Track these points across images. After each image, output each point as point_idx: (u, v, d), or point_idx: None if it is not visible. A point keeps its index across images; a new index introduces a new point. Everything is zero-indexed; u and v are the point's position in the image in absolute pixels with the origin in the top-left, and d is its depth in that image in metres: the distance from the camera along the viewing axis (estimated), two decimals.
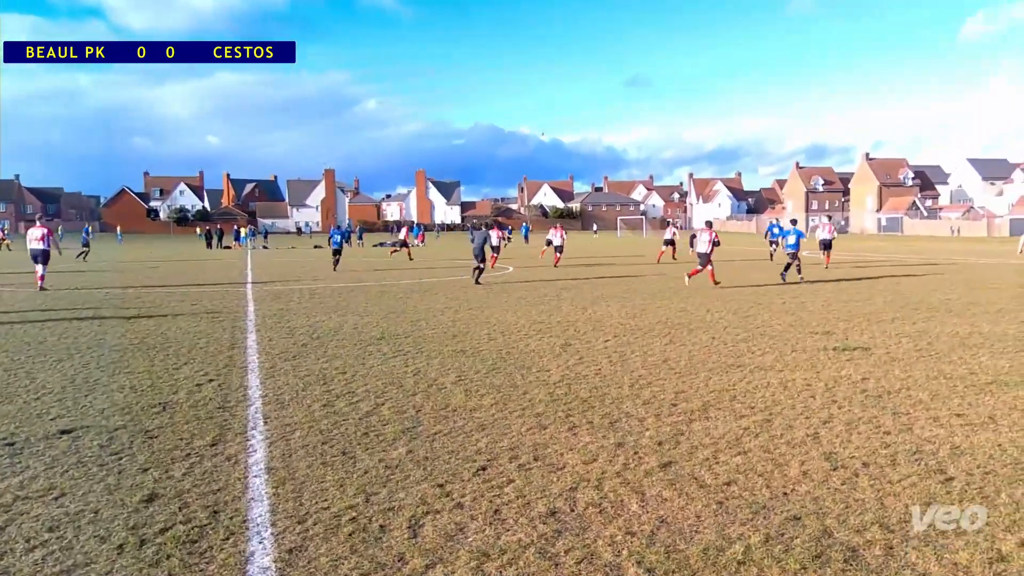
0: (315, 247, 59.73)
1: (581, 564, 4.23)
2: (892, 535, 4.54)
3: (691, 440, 6.41)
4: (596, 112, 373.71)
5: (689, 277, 21.15)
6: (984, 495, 5.10)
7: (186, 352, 10.75)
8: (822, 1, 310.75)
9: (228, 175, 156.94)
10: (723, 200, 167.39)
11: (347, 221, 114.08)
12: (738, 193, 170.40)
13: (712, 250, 20.41)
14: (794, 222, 25.10)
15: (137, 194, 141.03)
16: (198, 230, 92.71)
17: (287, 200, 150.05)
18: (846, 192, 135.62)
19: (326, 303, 17.20)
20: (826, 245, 28.03)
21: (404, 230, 42.29)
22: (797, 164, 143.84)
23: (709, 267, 20.48)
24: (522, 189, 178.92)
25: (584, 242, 67.00)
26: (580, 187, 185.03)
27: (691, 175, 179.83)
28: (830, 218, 32.81)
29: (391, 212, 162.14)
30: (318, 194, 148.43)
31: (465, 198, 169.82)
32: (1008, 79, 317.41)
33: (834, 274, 24.71)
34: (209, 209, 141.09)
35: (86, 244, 42.42)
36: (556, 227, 33.13)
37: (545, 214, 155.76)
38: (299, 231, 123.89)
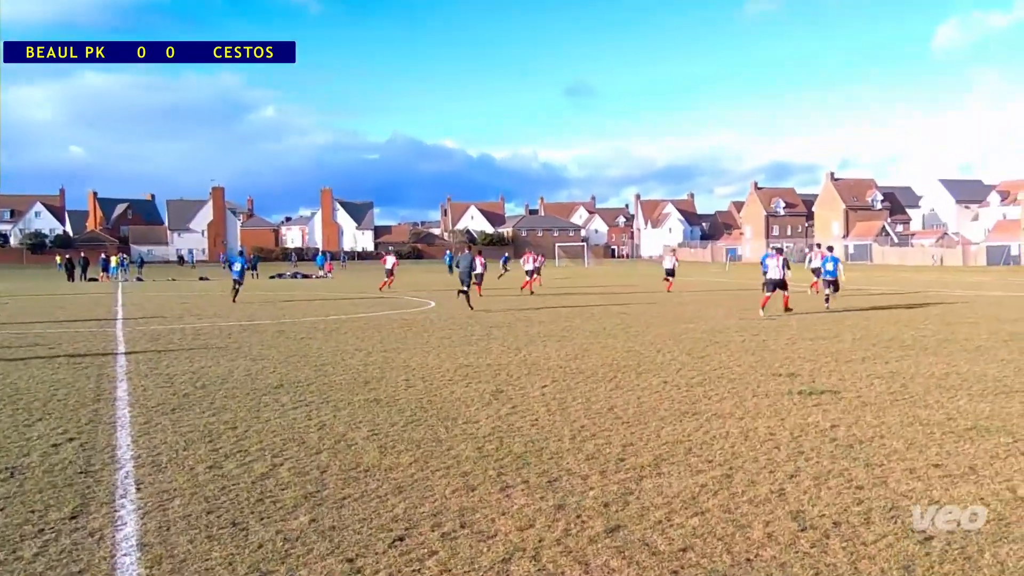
0: (200, 279, 58.57)
1: None
2: None
3: (641, 500, 6.45)
4: (532, 124, 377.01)
5: (763, 308, 23.00)
6: (966, 555, 5.27)
7: (40, 405, 10.36)
8: (785, 8, 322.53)
9: (95, 193, 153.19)
10: (674, 224, 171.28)
11: (239, 248, 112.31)
12: (691, 217, 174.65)
13: (784, 275, 22.97)
14: (831, 249, 28.57)
15: None
16: (58, 259, 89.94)
17: (167, 223, 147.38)
18: (810, 216, 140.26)
19: (213, 345, 16.88)
20: (818, 273, 29.77)
21: (393, 260, 40.99)
22: (756, 184, 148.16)
23: (784, 293, 23.05)
24: (445, 212, 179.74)
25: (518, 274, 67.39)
26: (513, 209, 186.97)
27: (638, 196, 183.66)
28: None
29: (291, 238, 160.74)
30: (204, 216, 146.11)
31: (379, 221, 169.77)
32: (983, 95, 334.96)
33: (804, 307, 25.47)
34: (72, 234, 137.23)
35: None
36: (527, 252, 40.93)
37: (472, 240, 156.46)
38: (181, 260, 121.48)
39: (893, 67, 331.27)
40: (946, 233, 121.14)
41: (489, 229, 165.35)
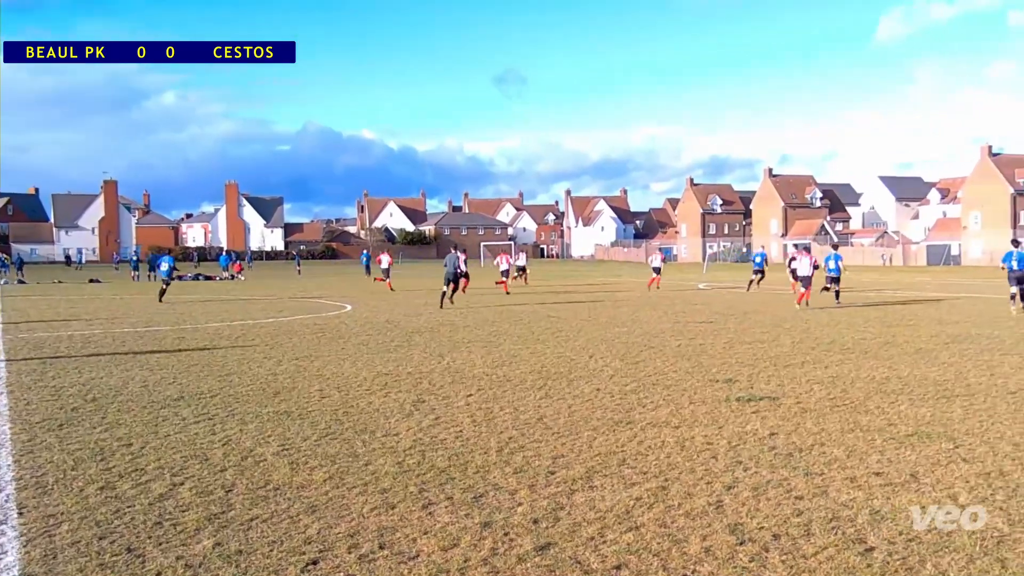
0: (91, 281, 57.10)
1: None
2: None
3: (573, 515, 6.50)
4: (457, 114, 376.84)
5: (799, 304, 26.78)
6: (908, 566, 5.44)
7: None
8: None
9: None
10: (606, 223, 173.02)
11: (135, 247, 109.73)
12: (624, 214, 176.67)
13: (814, 273, 27.67)
14: (835, 246, 33.30)
15: None
16: None
17: (52, 220, 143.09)
18: (747, 214, 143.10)
19: (105, 353, 16.49)
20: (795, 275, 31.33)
21: (387, 258, 46.67)
22: (691, 180, 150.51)
23: (802, 290, 27.20)
24: (362, 208, 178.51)
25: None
26: (436, 206, 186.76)
27: (568, 192, 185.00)
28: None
29: (193, 236, 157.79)
30: (95, 213, 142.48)
31: (290, 218, 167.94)
32: (924, 90, 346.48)
33: (741, 309, 25.98)
34: None
35: None
36: (501, 253, 45.15)
37: (391, 239, 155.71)
38: (68, 261, 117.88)
39: (836, 60, 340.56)
40: (886, 232, 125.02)
41: (410, 227, 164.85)
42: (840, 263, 28.53)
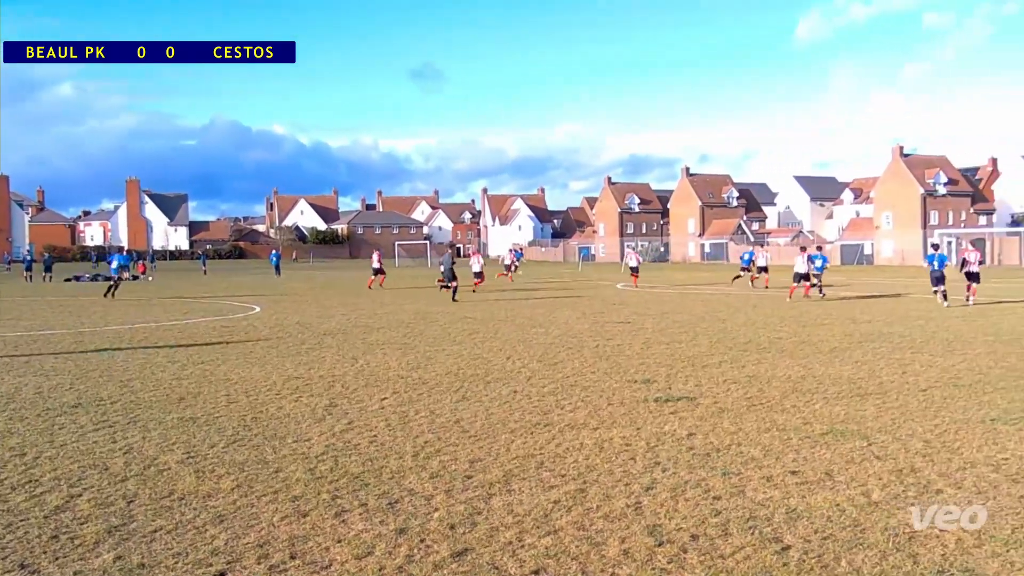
0: None
1: None
2: None
3: (490, 520, 6.52)
4: (372, 109, 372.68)
5: (790, 297, 30.68)
6: (823, 564, 5.60)
7: None
8: None
9: None
10: (523, 221, 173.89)
11: (27, 246, 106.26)
12: (541, 213, 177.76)
13: (809, 269, 31.56)
14: (820, 248, 39.44)
15: None
16: None
17: None
18: (665, 213, 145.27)
19: None
20: (804, 277, 33.32)
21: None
22: (609, 179, 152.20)
23: (806, 284, 31.38)
24: (272, 206, 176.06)
25: (361, 274, 66.71)
26: (349, 204, 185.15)
27: (485, 191, 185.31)
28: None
29: (91, 235, 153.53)
30: None
31: (195, 216, 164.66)
32: (840, 90, 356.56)
33: (659, 309, 26.39)
34: None
35: None
36: (473, 252, 47.18)
37: (302, 238, 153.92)
38: None
39: (755, 60, 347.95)
40: (801, 231, 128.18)
41: (321, 225, 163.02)
42: (827, 264, 34.27)
